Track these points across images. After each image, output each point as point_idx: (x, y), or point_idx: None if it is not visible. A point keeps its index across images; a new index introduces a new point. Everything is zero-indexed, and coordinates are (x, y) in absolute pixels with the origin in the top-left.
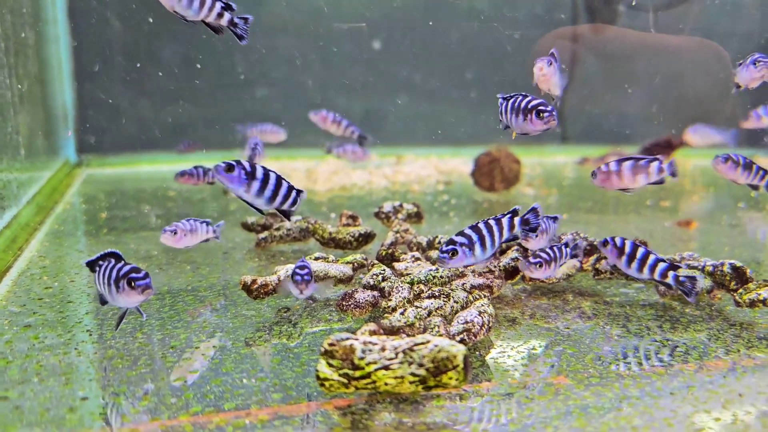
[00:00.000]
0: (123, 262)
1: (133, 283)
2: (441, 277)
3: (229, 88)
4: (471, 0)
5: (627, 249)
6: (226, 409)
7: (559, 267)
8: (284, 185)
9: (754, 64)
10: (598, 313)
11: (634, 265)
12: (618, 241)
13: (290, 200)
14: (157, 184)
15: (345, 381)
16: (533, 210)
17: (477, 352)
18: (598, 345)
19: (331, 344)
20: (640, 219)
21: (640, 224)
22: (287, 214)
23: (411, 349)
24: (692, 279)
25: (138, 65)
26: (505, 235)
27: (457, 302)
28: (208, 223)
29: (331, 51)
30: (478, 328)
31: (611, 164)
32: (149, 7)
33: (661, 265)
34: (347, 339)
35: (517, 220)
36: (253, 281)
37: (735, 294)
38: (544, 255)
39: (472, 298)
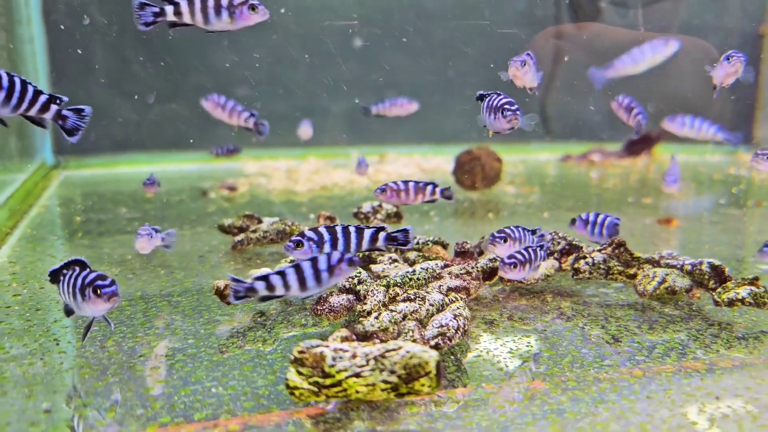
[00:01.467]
0: (88, 269)
1: (98, 291)
2: (418, 279)
3: (209, 88)
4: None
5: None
6: (196, 419)
7: (535, 268)
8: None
9: (728, 60)
10: (577, 314)
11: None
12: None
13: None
14: (136, 186)
15: (315, 389)
16: (404, 231)
17: (452, 356)
18: (576, 347)
19: (300, 352)
20: (622, 217)
21: (622, 222)
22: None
23: (382, 356)
24: None
25: (116, 65)
26: (364, 245)
27: (432, 305)
28: (157, 230)
29: (314, 48)
30: (453, 331)
31: (399, 183)
32: (126, 7)
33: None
34: (317, 346)
35: (381, 234)
36: (226, 286)
37: (714, 293)
38: (519, 256)
39: (448, 301)
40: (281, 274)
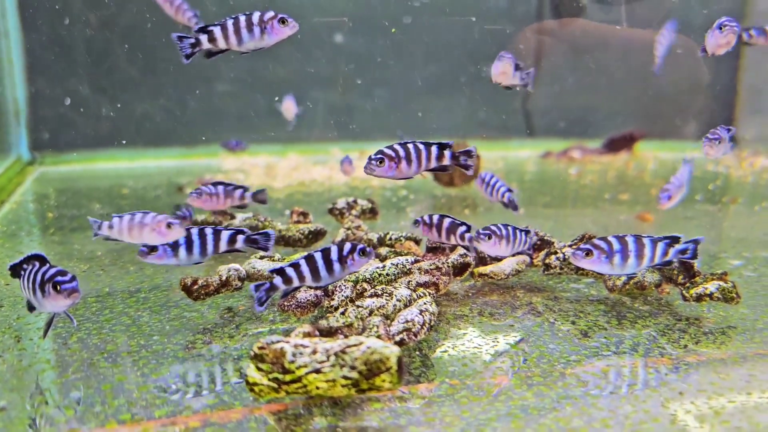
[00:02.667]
0: (48, 265)
1: (58, 287)
2: (387, 275)
3: (189, 83)
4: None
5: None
6: (157, 416)
7: (514, 251)
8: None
9: (720, 29)
10: (547, 309)
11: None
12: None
13: None
14: (112, 181)
15: (275, 386)
16: (265, 234)
17: (418, 352)
18: (544, 342)
19: (261, 348)
20: (598, 213)
21: (597, 218)
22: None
23: (343, 352)
24: None
25: (94, 60)
26: (221, 248)
27: (399, 300)
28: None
29: (296, 44)
30: (419, 327)
31: (210, 187)
32: (106, 2)
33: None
34: (278, 342)
35: (240, 237)
36: (194, 282)
37: (682, 288)
38: (494, 229)
39: (415, 296)
40: (295, 266)
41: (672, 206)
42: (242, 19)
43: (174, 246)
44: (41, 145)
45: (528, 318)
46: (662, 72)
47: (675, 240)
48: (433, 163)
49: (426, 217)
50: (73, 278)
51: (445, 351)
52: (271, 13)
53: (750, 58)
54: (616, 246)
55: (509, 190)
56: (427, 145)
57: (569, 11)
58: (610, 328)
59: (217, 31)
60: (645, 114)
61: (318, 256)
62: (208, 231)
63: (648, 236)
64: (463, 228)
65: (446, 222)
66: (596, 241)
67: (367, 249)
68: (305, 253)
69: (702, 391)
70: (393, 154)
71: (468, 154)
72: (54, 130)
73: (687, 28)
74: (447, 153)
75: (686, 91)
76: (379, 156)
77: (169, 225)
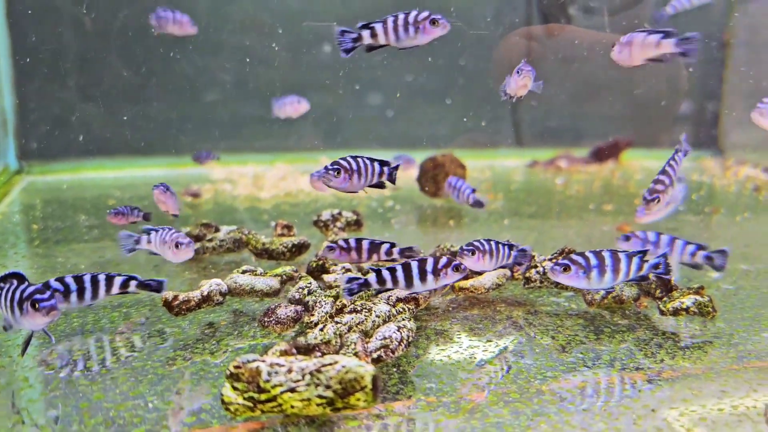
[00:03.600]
0: (26, 283)
1: (37, 305)
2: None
3: (177, 92)
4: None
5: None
6: None
7: (498, 265)
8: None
9: (518, 73)
10: (527, 324)
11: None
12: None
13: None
14: (99, 191)
15: (250, 405)
16: (158, 282)
17: (396, 369)
18: (522, 357)
19: (236, 367)
20: (582, 224)
21: (580, 229)
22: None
23: (318, 371)
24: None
25: (83, 68)
26: (113, 291)
27: (379, 316)
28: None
29: (283, 51)
30: (396, 344)
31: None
32: (93, 9)
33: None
34: (254, 361)
35: (132, 282)
36: (174, 297)
37: (659, 302)
38: (477, 244)
39: (395, 312)
40: (392, 270)
41: (653, 221)
42: (401, 17)
43: (66, 293)
44: (29, 154)
45: (508, 332)
46: (645, 80)
47: (645, 254)
48: (375, 179)
49: (341, 242)
50: (52, 296)
51: (423, 367)
52: (425, 14)
53: (734, 68)
54: (593, 261)
55: (473, 191)
56: (372, 161)
57: (558, 19)
58: (588, 342)
59: (378, 27)
60: (632, 122)
61: (414, 265)
62: (101, 278)
63: (623, 251)
64: (386, 245)
65: (365, 243)
66: (574, 257)
67: (462, 266)
68: (403, 261)
69: (674, 407)
70: (348, 166)
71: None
72: (42, 139)
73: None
74: (386, 169)
75: (668, 98)
76: (335, 167)
77: (177, 245)
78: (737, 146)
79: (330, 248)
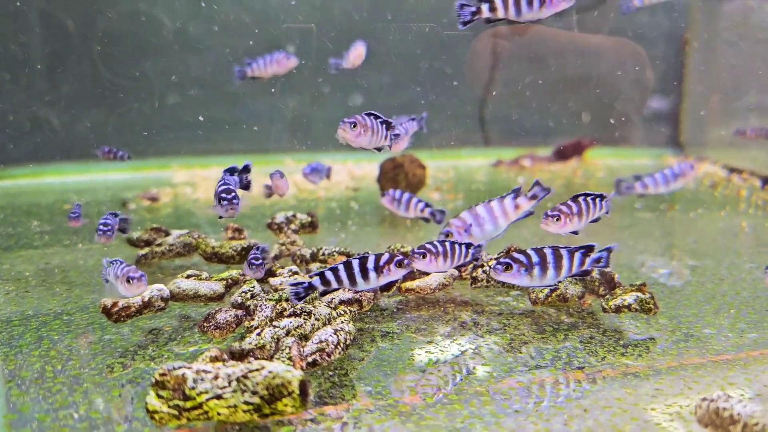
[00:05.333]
0: None
1: None
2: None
3: (141, 94)
4: (395, 2)
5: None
6: None
7: (455, 265)
8: None
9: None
10: (474, 324)
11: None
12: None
13: None
14: (56, 197)
15: (176, 413)
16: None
17: (332, 372)
18: (465, 359)
19: (162, 374)
20: (537, 222)
21: (535, 229)
22: None
23: (245, 377)
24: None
25: (43, 72)
26: None
27: (318, 319)
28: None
29: (253, 53)
30: (333, 347)
31: None
32: (53, 10)
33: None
34: (180, 368)
35: None
36: (114, 304)
37: (603, 300)
38: (429, 246)
39: (335, 314)
40: (334, 270)
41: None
42: None
43: None
44: None
45: (454, 333)
46: (611, 78)
47: (590, 249)
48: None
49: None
50: None
51: (363, 370)
52: None
53: (694, 66)
54: (534, 258)
55: (427, 205)
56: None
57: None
58: (533, 342)
59: (498, 0)
60: (597, 121)
61: (356, 263)
62: None
63: (565, 247)
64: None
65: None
66: (515, 255)
67: (405, 261)
68: (345, 259)
69: (607, 407)
70: (364, 122)
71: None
72: (0, 143)
73: (633, 36)
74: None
75: (634, 96)
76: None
77: (129, 280)
78: (697, 144)
79: (420, 254)
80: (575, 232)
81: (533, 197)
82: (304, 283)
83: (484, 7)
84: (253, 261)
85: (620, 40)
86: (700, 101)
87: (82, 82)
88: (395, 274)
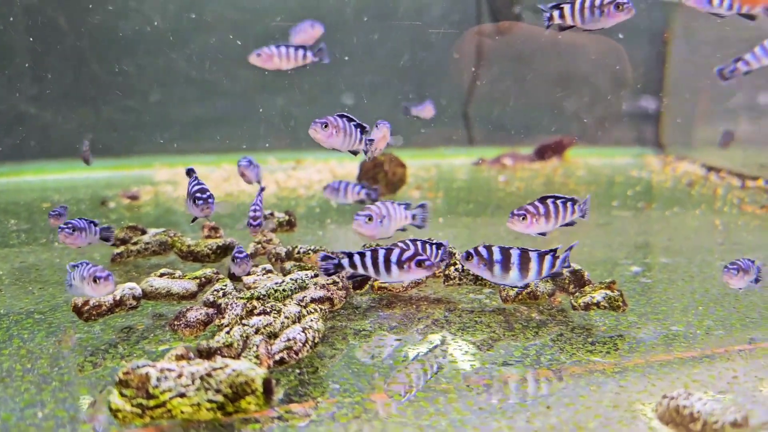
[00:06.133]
0: None
1: None
2: (284, 290)
3: (124, 92)
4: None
5: None
6: None
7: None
8: None
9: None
10: (446, 321)
11: None
12: None
13: None
14: (36, 195)
15: (139, 411)
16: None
17: (301, 370)
18: (437, 357)
19: (125, 373)
20: None
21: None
22: None
23: (209, 375)
24: None
25: (24, 69)
26: None
27: (288, 317)
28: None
29: (234, 52)
30: (300, 345)
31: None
32: (34, 7)
33: None
34: (143, 367)
35: None
36: (85, 302)
37: (572, 297)
38: (401, 245)
39: (305, 313)
40: (361, 255)
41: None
42: (588, 1)
43: None
44: None
45: (426, 331)
46: (593, 73)
47: (555, 252)
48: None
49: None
50: None
51: (333, 368)
52: None
53: (674, 66)
54: (496, 256)
55: (363, 187)
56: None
57: (507, 17)
58: (504, 339)
59: (567, 9)
60: (578, 119)
61: (381, 253)
62: None
63: (535, 250)
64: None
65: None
66: (480, 248)
67: (426, 262)
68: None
69: (570, 404)
70: (335, 123)
71: None
72: None
73: (614, 35)
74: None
75: (615, 95)
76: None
77: (95, 279)
78: (678, 143)
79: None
80: (543, 234)
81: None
82: (335, 260)
83: (555, 13)
84: (237, 255)
85: (602, 39)
86: (680, 101)
87: (62, 80)
88: (415, 272)
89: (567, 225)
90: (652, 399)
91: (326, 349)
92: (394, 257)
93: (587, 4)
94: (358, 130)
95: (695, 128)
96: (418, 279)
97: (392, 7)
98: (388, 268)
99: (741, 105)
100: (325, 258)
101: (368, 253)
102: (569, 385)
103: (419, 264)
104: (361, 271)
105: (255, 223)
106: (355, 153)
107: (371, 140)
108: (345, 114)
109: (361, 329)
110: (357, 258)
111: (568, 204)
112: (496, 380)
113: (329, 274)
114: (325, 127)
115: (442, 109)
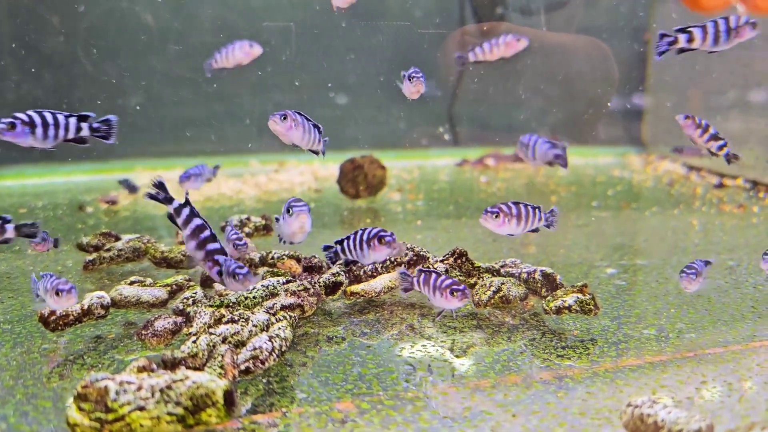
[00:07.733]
0: None
1: None
2: (254, 297)
3: (104, 95)
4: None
5: None
6: None
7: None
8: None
9: (410, 79)
10: (419, 327)
11: None
12: None
13: None
14: (13, 200)
15: (98, 426)
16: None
17: (267, 379)
18: (401, 363)
19: (84, 386)
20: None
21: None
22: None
23: (169, 387)
24: None
25: (3, 70)
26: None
27: (256, 326)
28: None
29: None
30: (267, 354)
31: None
32: (14, 6)
33: None
34: (102, 379)
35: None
36: (51, 312)
37: (544, 301)
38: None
39: (274, 320)
40: (347, 238)
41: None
42: (721, 22)
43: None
44: None
45: (397, 336)
46: (579, 72)
47: None
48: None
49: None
50: None
51: (300, 376)
52: (744, 19)
53: (655, 65)
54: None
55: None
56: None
57: (489, 17)
58: (476, 345)
59: (696, 32)
60: (562, 119)
61: (359, 234)
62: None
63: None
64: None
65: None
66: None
67: (387, 238)
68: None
69: (536, 412)
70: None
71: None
72: None
73: (599, 35)
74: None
75: (599, 94)
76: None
77: (57, 293)
78: (660, 142)
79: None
80: (512, 235)
81: None
82: (334, 248)
83: (682, 37)
84: (238, 272)
85: (587, 39)
86: (661, 100)
87: (42, 83)
88: (380, 250)
89: (532, 231)
90: (619, 405)
91: (297, 356)
92: (365, 237)
93: (721, 27)
94: (316, 129)
95: (676, 128)
96: (384, 257)
97: (377, 6)
98: (362, 249)
99: (729, 104)
100: (326, 248)
101: (351, 236)
102: (537, 392)
103: (380, 240)
104: (350, 256)
105: (241, 243)
106: (315, 153)
107: (326, 140)
108: (301, 113)
109: (333, 335)
110: (345, 242)
111: (537, 211)
112: (464, 387)
113: (334, 263)
114: (284, 119)
115: (428, 110)
